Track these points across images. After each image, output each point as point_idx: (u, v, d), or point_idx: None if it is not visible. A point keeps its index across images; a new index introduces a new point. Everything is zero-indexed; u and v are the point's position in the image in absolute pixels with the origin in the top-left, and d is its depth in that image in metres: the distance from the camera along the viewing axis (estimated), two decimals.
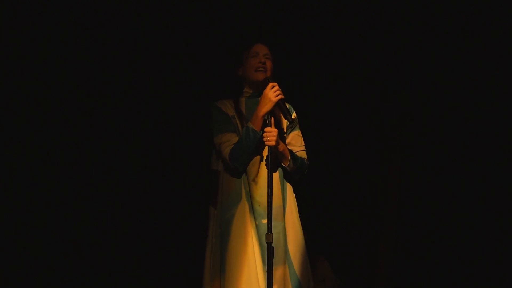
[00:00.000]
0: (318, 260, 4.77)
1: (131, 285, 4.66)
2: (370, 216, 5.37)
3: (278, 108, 3.09)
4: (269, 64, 3.20)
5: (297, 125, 3.30)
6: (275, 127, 3.06)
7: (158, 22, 4.67)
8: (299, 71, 4.95)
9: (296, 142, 3.26)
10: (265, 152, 3.08)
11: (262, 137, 3.03)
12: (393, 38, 5.21)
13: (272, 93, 3.02)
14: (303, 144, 3.28)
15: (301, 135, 3.29)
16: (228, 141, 3.10)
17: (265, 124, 3.05)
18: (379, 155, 5.45)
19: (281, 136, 3.14)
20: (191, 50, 4.77)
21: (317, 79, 5.21)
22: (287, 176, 3.18)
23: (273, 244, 2.92)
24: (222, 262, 3.07)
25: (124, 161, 4.78)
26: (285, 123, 3.23)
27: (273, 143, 2.99)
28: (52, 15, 4.48)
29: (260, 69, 3.16)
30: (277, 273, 3.01)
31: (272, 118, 3.06)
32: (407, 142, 5.44)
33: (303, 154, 3.24)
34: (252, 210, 3.07)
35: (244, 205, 3.09)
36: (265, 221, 3.00)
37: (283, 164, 3.12)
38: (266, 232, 2.91)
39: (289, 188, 3.19)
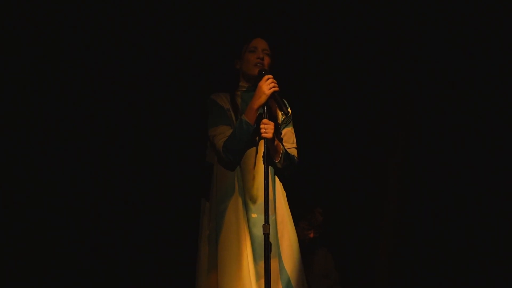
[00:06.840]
0: (323, 254, 4.72)
1: (125, 280, 4.65)
2: (370, 215, 5.36)
3: (274, 101, 3.05)
4: (267, 60, 3.15)
5: (291, 122, 3.27)
6: (270, 120, 3.02)
7: (156, 14, 4.67)
8: (299, 69, 4.95)
9: (288, 138, 3.23)
10: (260, 146, 3.06)
11: (256, 129, 3.01)
12: (394, 38, 5.22)
13: (267, 86, 2.98)
14: (295, 141, 3.25)
15: (293, 132, 3.26)
16: (222, 133, 3.08)
17: (260, 117, 3.02)
18: (379, 155, 5.45)
19: (275, 131, 3.08)
20: (187, 43, 4.77)
21: (317, 78, 5.22)
22: (277, 172, 3.16)
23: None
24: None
25: (117, 157, 4.77)
26: (279, 117, 3.21)
27: (270, 135, 2.98)
28: (48, 14, 4.50)
29: (258, 65, 3.12)
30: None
31: (267, 111, 3.03)
32: (407, 142, 5.44)
33: (294, 152, 3.22)
34: (245, 203, 3.06)
35: (237, 198, 3.06)
36: (254, 215, 3.01)
37: (274, 160, 3.09)
38: (257, 225, 2.93)
39: (278, 183, 3.17)
